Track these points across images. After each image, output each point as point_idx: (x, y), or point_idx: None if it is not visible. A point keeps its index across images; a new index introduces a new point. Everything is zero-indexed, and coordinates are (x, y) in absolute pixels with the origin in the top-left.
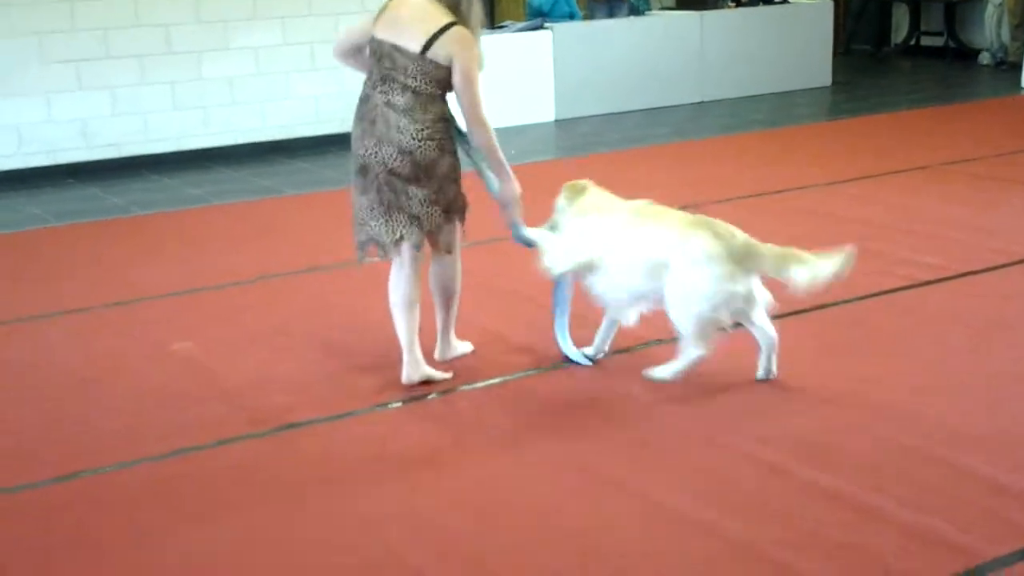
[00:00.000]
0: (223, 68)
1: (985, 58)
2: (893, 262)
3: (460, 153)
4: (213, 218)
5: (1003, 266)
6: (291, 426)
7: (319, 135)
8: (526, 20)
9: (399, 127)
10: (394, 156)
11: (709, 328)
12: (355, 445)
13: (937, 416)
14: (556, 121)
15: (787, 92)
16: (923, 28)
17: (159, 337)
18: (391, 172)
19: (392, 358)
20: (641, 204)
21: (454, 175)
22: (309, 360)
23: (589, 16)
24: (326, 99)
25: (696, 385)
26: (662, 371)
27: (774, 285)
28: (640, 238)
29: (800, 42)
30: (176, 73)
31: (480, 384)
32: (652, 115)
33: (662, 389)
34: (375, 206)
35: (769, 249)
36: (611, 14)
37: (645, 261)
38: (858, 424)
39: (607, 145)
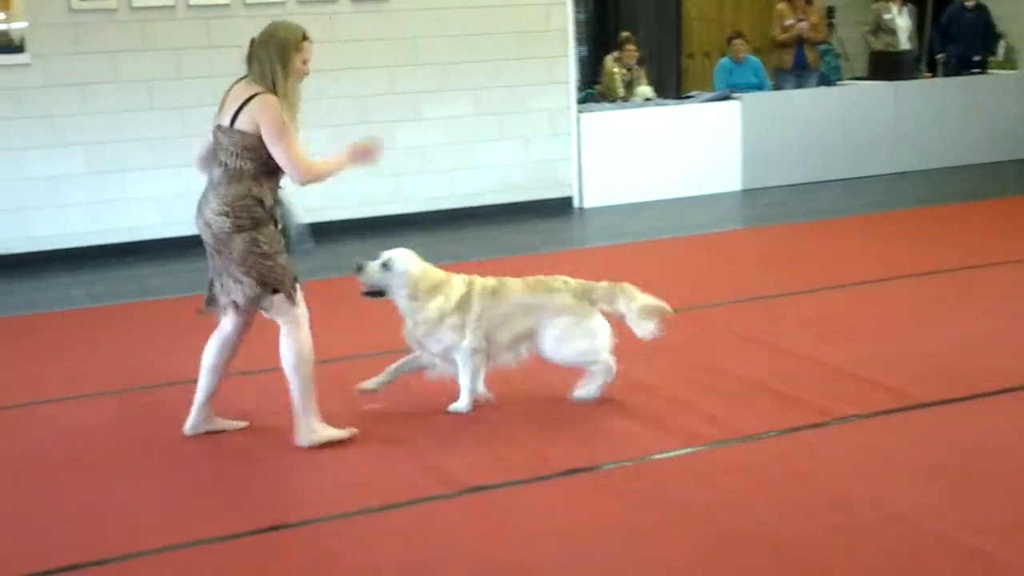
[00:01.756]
0: (415, 138)
1: None
2: None
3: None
4: None
5: None
6: (476, 489)
7: (505, 203)
8: (714, 91)
9: (207, 200)
10: (202, 227)
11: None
12: (538, 512)
13: None
14: (743, 191)
15: (988, 164)
16: None
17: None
18: (205, 241)
19: (580, 434)
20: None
21: (258, 250)
22: (500, 425)
23: (777, 86)
24: (512, 168)
25: (886, 475)
26: (585, 391)
27: None
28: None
29: (1001, 113)
30: None
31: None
32: (843, 186)
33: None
34: (210, 270)
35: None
36: (800, 84)
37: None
38: None
39: (794, 216)
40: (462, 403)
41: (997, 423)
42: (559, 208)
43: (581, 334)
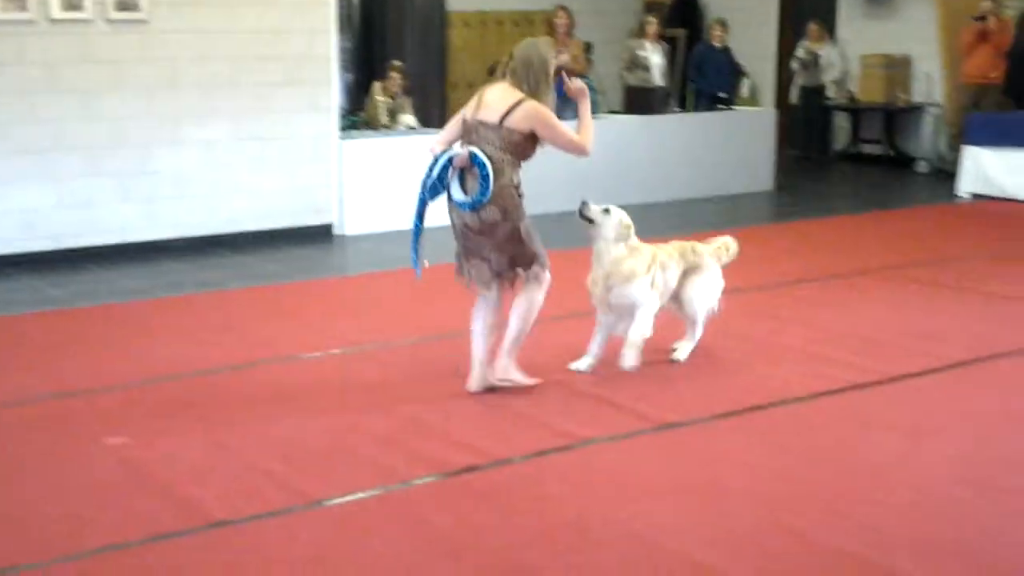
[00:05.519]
0: (173, 163)
1: (922, 166)
2: (833, 365)
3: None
4: (155, 311)
5: (936, 371)
6: (222, 524)
7: (264, 230)
8: None
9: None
10: (461, 216)
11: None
12: (291, 545)
13: (865, 519)
14: None
15: (731, 195)
16: (863, 136)
17: (95, 431)
18: (466, 226)
19: (329, 462)
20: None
21: (517, 237)
22: (249, 455)
23: None
24: (273, 195)
25: (626, 496)
26: (684, 352)
27: None
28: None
29: (744, 147)
30: (124, 165)
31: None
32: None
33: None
34: (460, 252)
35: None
36: (559, 116)
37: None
38: (788, 525)
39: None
40: (634, 360)
41: (739, 441)
42: (319, 235)
43: (716, 286)
